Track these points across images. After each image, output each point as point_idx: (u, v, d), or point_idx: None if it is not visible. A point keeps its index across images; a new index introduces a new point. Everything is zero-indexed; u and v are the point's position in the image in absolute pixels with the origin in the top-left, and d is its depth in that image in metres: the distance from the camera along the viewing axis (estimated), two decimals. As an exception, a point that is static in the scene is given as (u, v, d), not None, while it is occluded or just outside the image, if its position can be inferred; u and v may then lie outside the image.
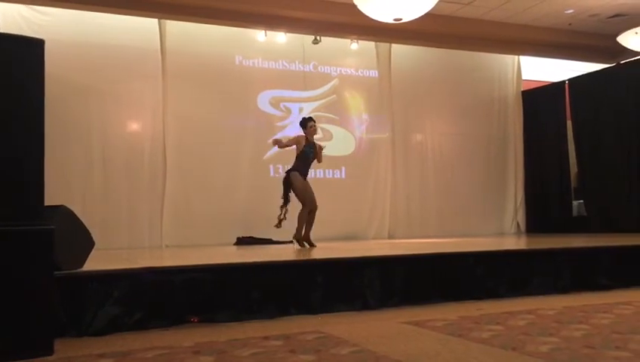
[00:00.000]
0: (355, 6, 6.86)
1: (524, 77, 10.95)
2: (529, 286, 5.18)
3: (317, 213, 6.93)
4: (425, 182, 10.03)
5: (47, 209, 3.40)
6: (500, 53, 10.47)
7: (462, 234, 9.49)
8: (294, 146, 7.02)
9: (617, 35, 8.78)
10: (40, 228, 3.19)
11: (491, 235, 9.93)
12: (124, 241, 7.83)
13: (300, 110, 9.22)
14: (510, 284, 5.11)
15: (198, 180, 8.44)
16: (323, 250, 6.23)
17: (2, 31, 3.33)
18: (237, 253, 6.60)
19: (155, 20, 8.32)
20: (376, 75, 9.84)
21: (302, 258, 5.36)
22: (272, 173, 8.95)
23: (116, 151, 8.09)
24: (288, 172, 6.93)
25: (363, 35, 9.11)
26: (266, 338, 3.44)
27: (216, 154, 8.60)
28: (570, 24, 9.51)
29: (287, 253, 6.06)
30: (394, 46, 9.77)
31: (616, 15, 9.08)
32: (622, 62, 9.90)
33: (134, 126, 8.37)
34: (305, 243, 6.87)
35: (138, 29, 8.22)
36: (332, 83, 9.54)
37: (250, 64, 9.05)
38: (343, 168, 9.35)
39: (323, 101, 9.45)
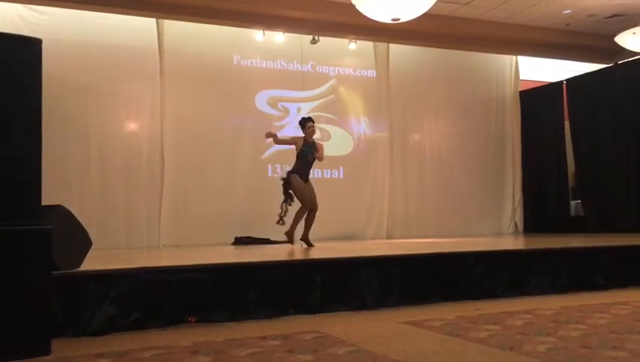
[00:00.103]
0: (353, 6, 6.86)
1: (521, 77, 10.96)
2: (527, 286, 5.19)
3: (316, 213, 6.94)
4: (423, 182, 10.03)
5: (45, 209, 3.40)
6: (497, 53, 10.48)
7: (460, 234, 9.50)
8: (293, 146, 7.03)
9: (615, 35, 8.78)
10: (38, 228, 3.19)
11: (489, 235, 9.94)
12: (121, 241, 7.83)
13: (298, 110, 9.22)
14: (508, 284, 5.12)
15: (196, 180, 8.44)
16: (321, 250, 6.23)
17: (0, 30, 3.32)
18: (235, 252, 6.60)
19: (153, 20, 8.31)
20: (375, 74, 9.85)
21: (300, 258, 5.36)
22: (270, 173, 8.94)
23: (114, 150, 8.08)
24: (289, 173, 6.94)
25: (361, 35, 9.11)
26: (264, 338, 3.44)
27: (214, 154, 8.60)
28: (568, 24, 9.52)
29: (285, 252, 6.06)
30: (392, 46, 9.77)
31: (614, 15, 9.09)
32: (619, 62, 9.91)
33: (132, 126, 8.36)
34: (302, 242, 6.87)
35: (136, 28, 8.21)
36: (330, 83, 9.54)
37: (249, 64, 9.04)
38: (341, 168, 9.35)
39: (321, 101, 9.45)
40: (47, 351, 3.12)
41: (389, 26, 7.89)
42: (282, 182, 6.97)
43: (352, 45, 9.40)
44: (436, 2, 6.79)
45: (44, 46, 3.34)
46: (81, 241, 4.08)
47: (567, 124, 10.24)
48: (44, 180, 3.31)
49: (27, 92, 3.25)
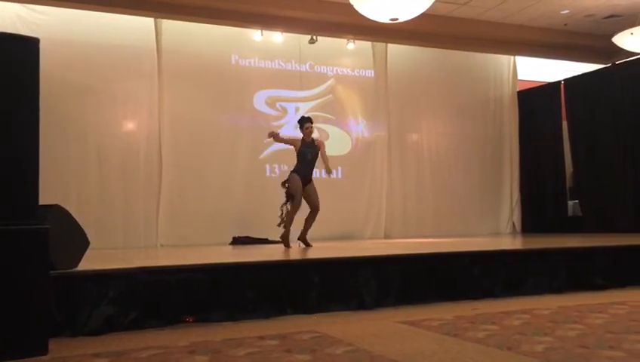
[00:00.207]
0: (351, 6, 6.86)
1: (519, 77, 10.97)
2: (524, 286, 5.20)
3: (316, 214, 6.96)
4: (421, 182, 10.04)
5: (42, 208, 3.39)
6: (495, 53, 10.49)
7: (458, 234, 9.51)
8: (292, 146, 7.04)
9: (613, 35, 8.79)
10: (35, 228, 3.18)
11: (487, 235, 9.95)
12: (119, 241, 7.82)
13: (296, 110, 9.22)
14: (506, 284, 5.13)
15: (194, 180, 8.43)
16: (319, 250, 6.23)
17: (-3, 30, 3.33)
18: (233, 252, 6.60)
19: (151, 20, 8.31)
20: (373, 74, 9.85)
21: (297, 258, 5.36)
22: (268, 173, 8.95)
23: (112, 150, 8.08)
24: (290, 173, 6.98)
25: (359, 35, 9.11)
26: (262, 337, 3.44)
27: (212, 153, 8.60)
28: (565, 24, 9.54)
29: (283, 252, 6.06)
30: (390, 46, 9.78)
31: (612, 16, 9.10)
32: (617, 62, 9.92)
33: (130, 125, 8.35)
34: (300, 241, 6.91)
35: (134, 28, 8.20)
36: (328, 83, 9.54)
37: (247, 64, 9.04)
38: (340, 168, 9.34)
39: (319, 101, 9.45)
40: (44, 350, 3.11)
41: (387, 26, 7.89)
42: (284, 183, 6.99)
43: (351, 45, 9.40)
44: (434, 2, 6.79)
45: (41, 45, 3.33)
46: (78, 241, 4.07)
47: (564, 124, 10.25)
48: (42, 180, 3.31)
49: (25, 91, 3.25)
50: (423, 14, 6.99)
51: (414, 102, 10.05)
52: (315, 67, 9.47)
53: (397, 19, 6.91)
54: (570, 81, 10.24)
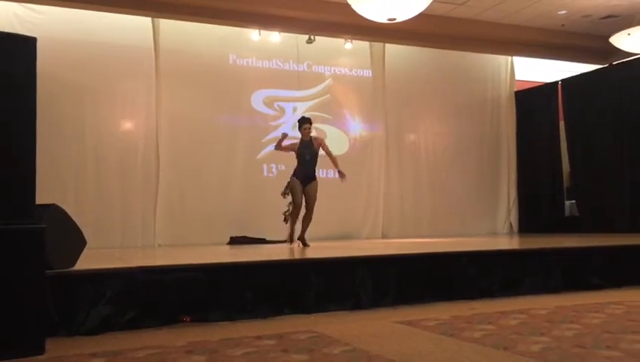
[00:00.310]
0: (349, 6, 6.86)
1: (517, 77, 10.98)
2: (521, 286, 5.20)
3: (311, 214, 7.03)
4: (418, 182, 10.05)
5: (38, 208, 3.39)
6: (493, 53, 10.50)
7: (455, 233, 9.52)
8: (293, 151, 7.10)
9: (610, 36, 8.81)
10: (31, 227, 3.18)
11: (484, 235, 9.96)
12: (116, 240, 7.82)
13: (294, 110, 9.22)
14: (503, 284, 5.13)
15: (192, 179, 8.43)
16: (316, 250, 6.23)
17: (-6, 29, 3.32)
18: (230, 252, 6.60)
19: (149, 19, 8.29)
20: (370, 74, 9.85)
21: (295, 257, 5.36)
22: (265, 173, 8.95)
23: (109, 149, 8.07)
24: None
25: (357, 35, 9.12)
26: (259, 337, 3.44)
27: (209, 153, 8.59)
28: (563, 25, 9.55)
29: (281, 252, 6.06)
30: (388, 46, 9.78)
31: (609, 16, 9.12)
32: (614, 63, 9.94)
33: (128, 125, 8.34)
34: (299, 241, 7.03)
35: (132, 27, 8.19)
36: (326, 82, 9.54)
37: (244, 63, 9.04)
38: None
39: (317, 100, 9.45)
40: (41, 350, 3.11)
41: (384, 26, 7.89)
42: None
43: (348, 45, 9.41)
44: (432, 2, 6.80)
45: (39, 44, 3.32)
46: (75, 240, 4.07)
47: (562, 124, 10.28)
48: (39, 179, 3.30)
49: (22, 91, 3.24)
50: (420, 14, 7.00)
51: (412, 102, 10.06)
52: (313, 67, 9.47)
53: (395, 19, 6.92)
54: (567, 82, 10.26)
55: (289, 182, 7.04)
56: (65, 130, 7.72)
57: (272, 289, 4.31)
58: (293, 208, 6.97)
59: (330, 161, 7.28)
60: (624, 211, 9.02)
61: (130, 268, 4.05)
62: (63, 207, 4.04)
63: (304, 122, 7.08)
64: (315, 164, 7.13)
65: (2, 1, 7.42)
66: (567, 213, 10.39)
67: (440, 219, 9.97)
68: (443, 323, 3.82)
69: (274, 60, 9.22)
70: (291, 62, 9.31)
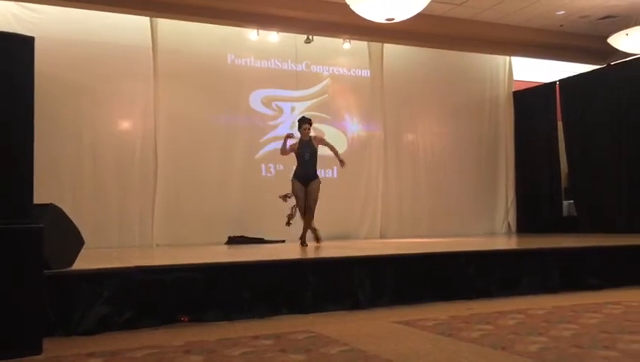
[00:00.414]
0: (347, 5, 6.86)
1: (515, 77, 10.99)
2: (519, 286, 5.21)
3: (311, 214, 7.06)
4: (416, 182, 10.05)
5: (36, 207, 3.38)
6: (491, 53, 10.51)
7: (453, 233, 9.52)
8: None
9: (608, 36, 8.82)
10: (29, 227, 3.17)
11: (482, 235, 9.96)
12: (114, 240, 7.81)
13: (292, 109, 9.22)
14: (501, 284, 5.13)
15: (190, 179, 8.42)
16: (314, 250, 6.23)
17: (-8, 28, 3.32)
18: (228, 252, 6.59)
19: (147, 18, 8.29)
20: (369, 74, 9.85)
21: (293, 257, 5.35)
22: (263, 173, 8.94)
23: (107, 149, 8.06)
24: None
25: (355, 35, 9.12)
26: (257, 337, 3.44)
27: (207, 153, 8.58)
28: (561, 25, 9.56)
29: (278, 252, 6.05)
30: (386, 46, 9.78)
31: (607, 17, 9.13)
32: (612, 63, 9.94)
33: (125, 124, 8.33)
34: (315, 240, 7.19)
35: (130, 27, 8.18)
36: (324, 82, 9.54)
37: (243, 63, 9.03)
38: (335, 167, 9.31)
39: (315, 100, 9.45)
40: (38, 350, 3.10)
41: (383, 26, 7.90)
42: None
43: (346, 45, 9.41)
44: (430, 2, 6.80)
45: (37, 44, 3.32)
46: (73, 240, 4.06)
47: (560, 124, 10.28)
48: (37, 178, 3.30)
49: (20, 90, 3.24)
50: (419, 14, 7.00)
51: (410, 102, 10.06)
52: (311, 67, 9.46)
53: (393, 19, 6.92)
54: (565, 82, 10.26)
55: (291, 185, 7.08)
56: (63, 129, 7.70)
57: (269, 289, 4.31)
58: (298, 209, 7.01)
59: (329, 161, 7.29)
60: (622, 211, 9.03)
61: (128, 268, 4.05)
62: (61, 206, 4.03)
63: (304, 122, 7.08)
64: (315, 164, 7.14)
65: (1, 1, 7.40)
66: (565, 213, 10.39)
67: (438, 219, 9.97)
68: (441, 323, 3.82)
69: (272, 60, 9.21)
70: (290, 62, 9.30)
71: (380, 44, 9.74)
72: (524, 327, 3.62)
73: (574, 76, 10.23)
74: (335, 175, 9.29)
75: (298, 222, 7.25)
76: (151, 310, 3.89)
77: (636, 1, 8.52)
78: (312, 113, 9.05)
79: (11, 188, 3.18)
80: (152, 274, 4.03)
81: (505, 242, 8.01)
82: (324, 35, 9.09)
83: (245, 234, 8.25)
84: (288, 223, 7.18)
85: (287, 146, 7.12)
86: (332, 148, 7.27)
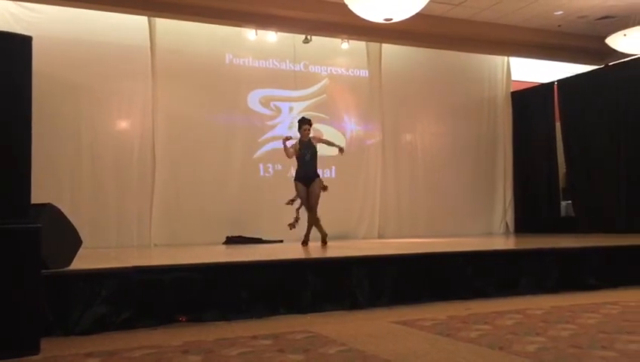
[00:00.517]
0: (345, 5, 6.86)
1: (513, 78, 11.00)
2: (517, 286, 5.21)
3: (310, 213, 7.07)
4: (414, 182, 10.05)
5: (34, 207, 3.38)
6: (489, 53, 10.51)
7: (451, 233, 9.52)
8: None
9: (606, 36, 8.83)
10: (27, 227, 3.17)
11: (480, 235, 9.97)
12: (112, 240, 7.81)
13: (291, 109, 9.22)
14: (499, 284, 5.14)
15: (188, 179, 8.41)
16: (312, 250, 6.23)
17: (-11, 27, 3.31)
18: (226, 252, 6.59)
19: (145, 18, 8.28)
20: (367, 74, 9.85)
21: (291, 257, 5.34)
22: (262, 173, 8.94)
23: (105, 148, 8.05)
24: None
25: (354, 35, 9.11)
26: (255, 337, 3.44)
27: (205, 152, 8.57)
28: (559, 25, 9.57)
29: (277, 252, 6.05)
30: (384, 46, 9.78)
31: (605, 17, 9.14)
32: (610, 63, 9.96)
33: (124, 124, 8.32)
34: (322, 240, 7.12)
35: (128, 26, 8.18)
36: (322, 82, 9.54)
37: (241, 63, 9.03)
38: (333, 167, 9.34)
39: (313, 100, 9.44)
40: (36, 350, 3.10)
41: (381, 26, 7.89)
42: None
43: (345, 45, 9.40)
44: (429, 3, 6.80)
45: (34, 43, 3.32)
46: (71, 240, 4.06)
47: (558, 124, 10.29)
48: (35, 178, 3.30)
49: (18, 90, 3.23)
50: (417, 14, 7.00)
51: (408, 102, 10.06)
52: (310, 67, 9.46)
53: (391, 19, 6.92)
54: (563, 82, 10.27)
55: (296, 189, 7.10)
56: (61, 129, 7.69)
57: (268, 289, 4.31)
58: (306, 210, 7.03)
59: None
60: (620, 211, 9.04)
61: (126, 268, 4.04)
62: (59, 206, 4.03)
63: (304, 123, 7.07)
64: (316, 164, 7.12)
65: (-2, 0, 7.41)
66: (563, 213, 10.40)
67: (436, 219, 9.97)
68: (439, 323, 3.83)
69: (270, 60, 9.21)
70: (288, 61, 9.30)
71: (378, 44, 9.74)
72: (522, 327, 3.62)
73: (572, 76, 10.25)
74: (334, 175, 9.29)
75: (302, 223, 7.21)
76: (149, 310, 3.89)
77: (634, 1, 8.53)
78: (311, 113, 9.05)
79: (9, 187, 3.17)
80: (150, 274, 4.03)
81: (503, 242, 8.01)
82: (322, 35, 9.08)
83: (243, 234, 8.25)
84: (293, 226, 7.11)
85: (290, 148, 7.07)
86: (327, 142, 7.24)
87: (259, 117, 9.05)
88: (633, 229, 8.40)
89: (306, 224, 7.16)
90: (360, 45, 9.68)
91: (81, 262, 4.08)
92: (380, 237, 9.54)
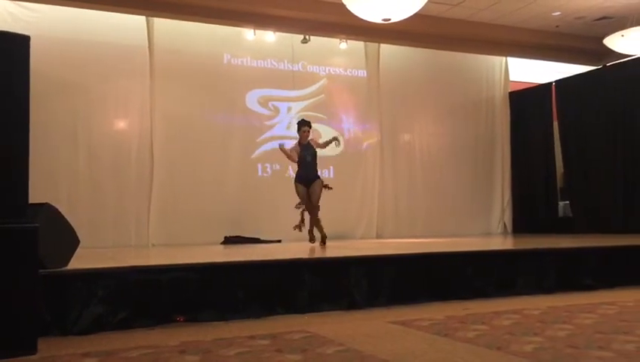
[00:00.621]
0: (344, 6, 6.86)
1: (511, 78, 11.01)
2: (515, 286, 5.21)
3: (312, 213, 7.07)
4: (413, 182, 10.06)
5: (31, 207, 3.37)
6: (487, 54, 10.52)
7: (449, 234, 9.52)
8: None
9: (604, 37, 8.84)
10: (24, 227, 3.16)
11: (478, 235, 9.98)
12: (110, 240, 7.79)
13: (289, 109, 9.22)
14: (496, 284, 5.14)
15: (186, 179, 8.41)
16: (310, 249, 6.23)
17: (-13, 27, 3.30)
18: (224, 252, 6.58)
19: (143, 18, 8.27)
20: (365, 74, 9.86)
21: (288, 257, 5.34)
22: (260, 173, 8.93)
23: (103, 148, 8.04)
24: None
25: (352, 35, 9.12)
26: (252, 337, 3.43)
27: (204, 152, 8.57)
28: (557, 26, 9.58)
29: (274, 252, 6.04)
30: (383, 46, 9.78)
31: (603, 18, 9.16)
32: (608, 64, 9.98)
33: (121, 124, 8.31)
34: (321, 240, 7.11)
35: (126, 26, 8.17)
36: (321, 82, 9.54)
37: (239, 63, 9.02)
38: (332, 168, 9.34)
39: (311, 100, 9.44)
40: (33, 350, 3.09)
41: (379, 26, 7.90)
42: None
43: (343, 45, 9.40)
44: (427, 3, 6.81)
45: (32, 43, 3.31)
46: (68, 240, 4.05)
47: (555, 125, 10.31)
48: (32, 178, 3.29)
49: (14, 89, 3.23)
50: (415, 15, 7.01)
51: (406, 102, 10.07)
52: (308, 67, 9.46)
53: (389, 19, 6.92)
54: (561, 83, 10.29)
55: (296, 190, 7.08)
56: (58, 128, 7.68)
57: (265, 289, 4.31)
58: (307, 211, 7.03)
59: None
60: (617, 212, 9.05)
61: (123, 268, 4.04)
62: (57, 206, 4.03)
63: (303, 125, 7.02)
64: (316, 165, 7.09)
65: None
66: (560, 213, 10.41)
67: (434, 219, 9.98)
68: (437, 323, 3.83)
69: (269, 60, 9.21)
70: (286, 61, 9.30)
71: (376, 44, 9.75)
72: (519, 327, 3.62)
73: (570, 77, 10.26)
74: (332, 175, 9.29)
75: (306, 224, 7.24)
76: (146, 310, 3.88)
77: (632, 2, 8.55)
78: (309, 113, 9.06)
79: (6, 187, 3.17)
80: (147, 274, 4.02)
81: (501, 242, 8.02)
82: (320, 35, 9.09)
83: (241, 234, 8.24)
84: (300, 229, 7.10)
85: (292, 152, 7.01)
86: (325, 143, 7.12)
87: (257, 117, 9.05)
88: (630, 229, 8.42)
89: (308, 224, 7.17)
90: (358, 45, 9.68)
91: (79, 261, 4.08)
92: (378, 237, 9.54)
